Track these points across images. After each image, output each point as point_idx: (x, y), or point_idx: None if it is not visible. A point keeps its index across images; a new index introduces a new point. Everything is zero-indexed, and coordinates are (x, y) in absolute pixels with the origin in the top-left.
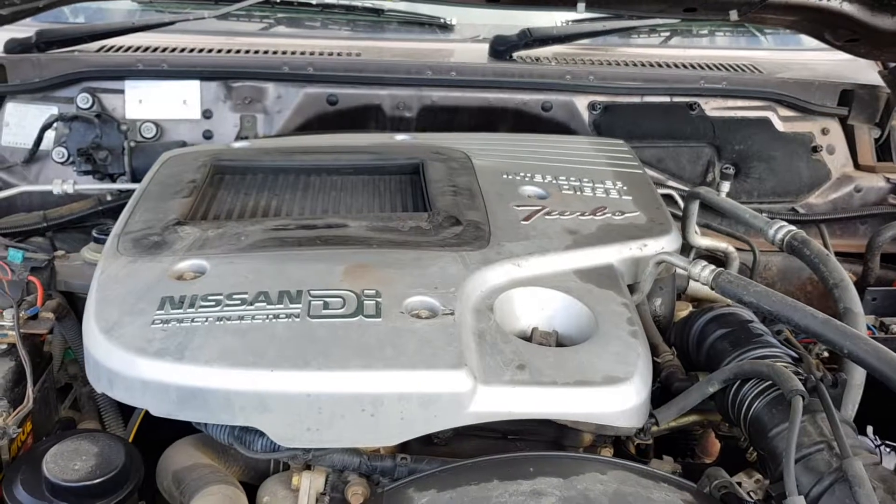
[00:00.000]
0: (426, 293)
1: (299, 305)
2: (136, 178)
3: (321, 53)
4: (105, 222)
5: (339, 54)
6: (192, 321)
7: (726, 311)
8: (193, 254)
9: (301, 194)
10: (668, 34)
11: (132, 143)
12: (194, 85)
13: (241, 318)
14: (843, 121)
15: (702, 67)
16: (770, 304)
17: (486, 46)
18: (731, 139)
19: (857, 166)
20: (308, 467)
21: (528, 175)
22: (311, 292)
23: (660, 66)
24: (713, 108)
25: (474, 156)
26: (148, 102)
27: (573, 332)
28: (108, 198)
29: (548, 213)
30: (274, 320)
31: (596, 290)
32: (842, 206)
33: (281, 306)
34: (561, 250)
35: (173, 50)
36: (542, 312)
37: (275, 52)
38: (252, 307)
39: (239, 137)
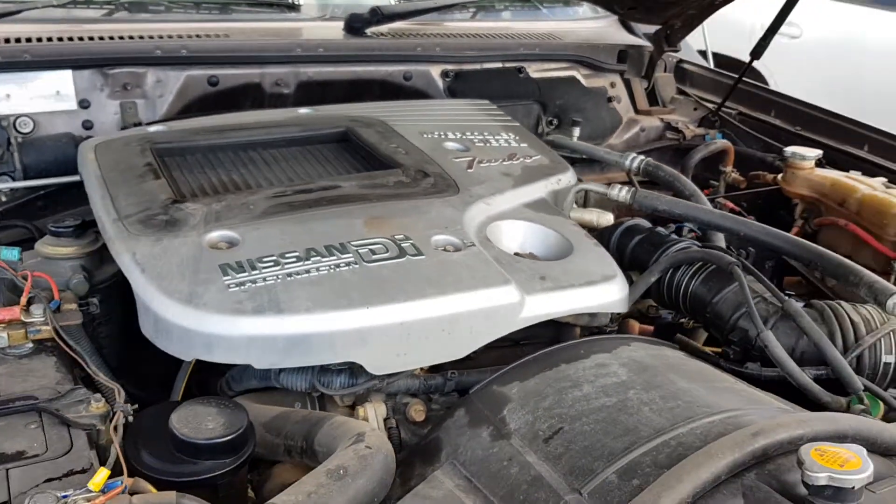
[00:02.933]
0: (442, 232)
1: (350, 255)
2: (28, 174)
3: (190, 36)
4: (14, 223)
5: (207, 36)
6: (265, 280)
7: (631, 223)
8: (215, 226)
9: (255, 167)
10: (474, 10)
11: (19, 140)
12: (66, 75)
13: (307, 271)
14: (621, 75)
15: (513, 37)
16: (680, 208)
17: (333, 24)
18: (552, 96)
19: (636, 111)
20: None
21: (441, 133)
22: (352, 243)
23: (487, 36)
24: (534, 70)
25: (393, 122)
26: (17, 97)
27: (549, 250)
28: (2, 198)
29: (480, 162)
30: (337, 269)
31: (548, 218)
32: (632, 143)
33: (333, 258)
34: (510, 189)
35: (28, 40)
36: (521, 239)
37: (141, 38)
38: (309, 262)
39: (124, 126)
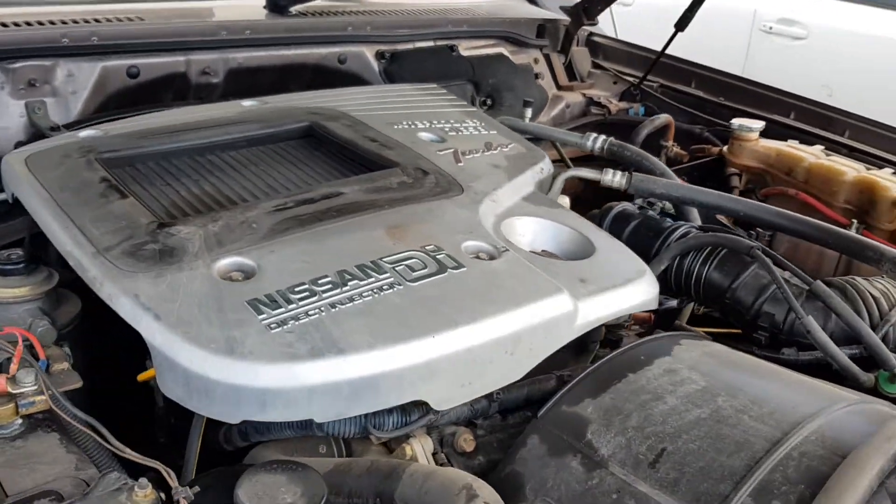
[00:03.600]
0: (469, 238)
1: (387, 275)
2: None
3: (99, 20)
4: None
5: (119, 20)
6: (308, 315)
7: (620, 208)
8: (221, 252)
9: (224, 174)
10: None
11: None
12: None
13: (350, 299)
14: (542, 50)
15: (440, 13)
16: (678, 191)
17: (250, 3)
18: (485, 75)
19: (558, 87)
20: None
21: (409, 123)
22: (384, 260)
23: (415, 13)
24: (464, 48)
25: (355, 113)
26: None
27: (570, 249)
28: None
29: (463, 154)
30: (382, 293)
31: (556, 213)
32: (559, 121)
33: (372, 280)
34: (506, 183)
35: None
36: (539, 237)
37: (41, 24)
38: (347, 287)
39: (36, 130)
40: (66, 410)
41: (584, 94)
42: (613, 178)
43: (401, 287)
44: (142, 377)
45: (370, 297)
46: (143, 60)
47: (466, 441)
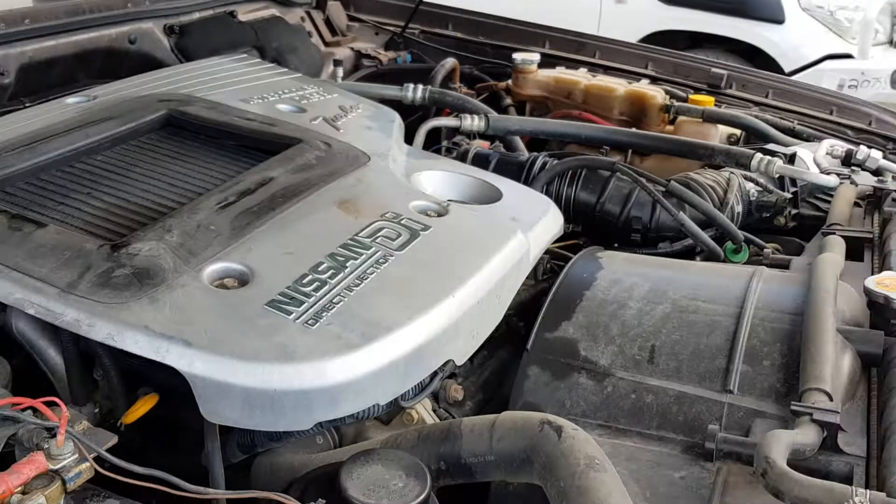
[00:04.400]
0: (412, 199)
1: (374, 248)
2: None
3: None
4: None
5: None
6: (334, 303)
7: (476, 149)
8: (199, 262)
9: (114, 181)
10: None
11: None
12: None
13: (359, 279)
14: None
15: None
16: (529, 125)
17: None
18: (268, 39)
19: (325, 44)
20: None
21: (260, 97)
22: (361, 236)
23: None
24: (242, 14)
25: (195, 94)
26: None
27: (480, 195)
28: None
29: (333, 119)
30: (382, 267)
31: (444, 162)
32: (335, 77)
33: (364, 256)
34: (389, 141)
35: None
36: (449, 188)
37: None
38: (348, 268)
39: None
40: (121, 470)
41: (351, 49)
42: (472, 122)
43: (393, 258)
44: (132, 417)
45: (374, 273)
46: None
47: (457, 391)
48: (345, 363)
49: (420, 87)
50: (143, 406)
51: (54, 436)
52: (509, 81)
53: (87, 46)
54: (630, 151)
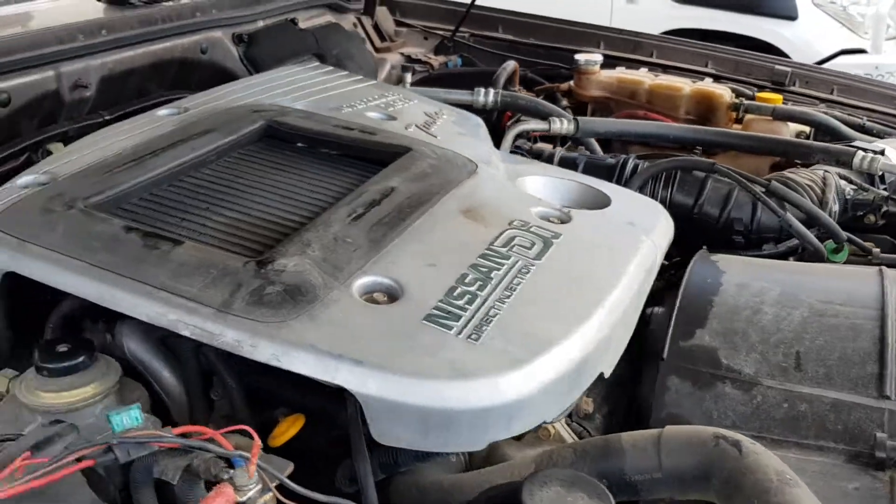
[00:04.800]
0: (533, 206)
1: (514, 257)
2: None
3: None
4: None
5: None
6: (491, 316)
7: (562, 154)
8: (346, 276)
9: (229, 195)
10: None
11: None
12: None
13: (508, 289)
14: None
15: None
16: (617, 127)
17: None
18: (327, 46)
19: (376, 50)
20: None
21: (349, 106)
22: (496, 246)
23: None
24: (303, 21)
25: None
26: None
27: (588, 201)
28: None
29: (426, 126)
30: (527, 277)
31: (545, 167)
32: (389, 83)
33: (506, 266)
34: (486, 147)
35: None
36: (556, 194)
37: None
38: (494, 279)
39: None
40: (301, 498)
41: (401, 54)
42: (561, 125)
43: (534, 267)
44: (281, 439)
45: (521, 284)
46: (12, 83)
47: (587, 404)
48: (518, 379)
49: (490, 91)
50: (290, 428)
51: (231, 465)
52: (571, 83)
53: (163, 57)
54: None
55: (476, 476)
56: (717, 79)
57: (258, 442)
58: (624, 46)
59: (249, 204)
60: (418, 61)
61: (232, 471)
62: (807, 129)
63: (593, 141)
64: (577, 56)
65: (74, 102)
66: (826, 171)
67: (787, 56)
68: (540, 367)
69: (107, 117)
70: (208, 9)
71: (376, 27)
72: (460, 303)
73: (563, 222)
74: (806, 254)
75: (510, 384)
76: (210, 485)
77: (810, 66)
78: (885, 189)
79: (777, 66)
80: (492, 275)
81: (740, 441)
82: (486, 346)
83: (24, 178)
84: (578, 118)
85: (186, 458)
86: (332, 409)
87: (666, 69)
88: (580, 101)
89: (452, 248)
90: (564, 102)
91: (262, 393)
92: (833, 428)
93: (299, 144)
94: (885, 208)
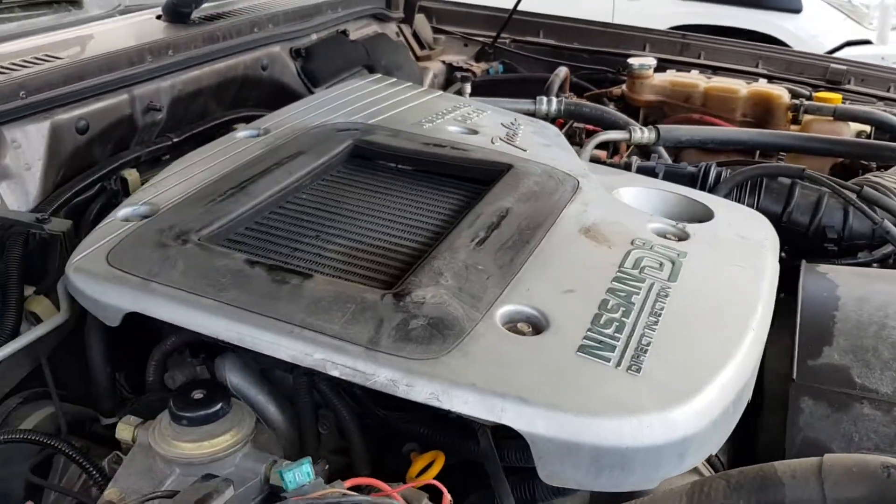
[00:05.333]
0: (648, 222)
1: (647, 280)
2: None
3: (13, 66)
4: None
5: (31, 62)
6: (643, 345)
7: (640, 163)
8: (486, 307)
9: (329, 219)
10: None
11: None
12: None
13: (653, 315)
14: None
15: None
16: (699, 134)
17: (131, 18)
18: (377, 57)
19: (416, 58)
20: None
21: (427, 121)
22: (625, 267)
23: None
24: (353, 32)
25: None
26: None
27: (691, 214)
28: None
29: (509, 138)
30: (666, 300)
31: (637, 178)
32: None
33: (643, 289)
34: (572, 158)
35: None
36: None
37: None
38: (635, 304)
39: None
40: None
41: (442, 62)
42: (643, 134)
43: (670, 288)
44: (426, 478)
45: (664, 308)
46: (89, 108)
47: None
48: (690, 414)
49: (553, 99)
50: (434, 467)
51: None
52: (623, 87)
53: (228, 75)
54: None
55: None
56: (770, 79)
57: (448, 497)
58: (671, 49)
59: (358, 230)
60: (460, 69)
61: None
62: (867, 128)
63: (661, 148)
64: (630, 60)
65: (147, 126)
66: None
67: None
68: (708, 399)
69: (175, 140)
70: (265, 23)
71: (415, 35)
72: (609, 331)
73: (680, 239)
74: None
75: (684, 419)
76: None
77: (866, 63)
78: None
79: (833, 65)
80: (632, 300)
81: None
82: (650, 378)
83: (125, 211)
84: (658, 126)
85: None
86: (457, 441)
87: (716, 71)
88: (632, 105)
89: (584, 272)
90: (612, 107)
91: (380, 426)
92: None
93: (392, 165)
94: None
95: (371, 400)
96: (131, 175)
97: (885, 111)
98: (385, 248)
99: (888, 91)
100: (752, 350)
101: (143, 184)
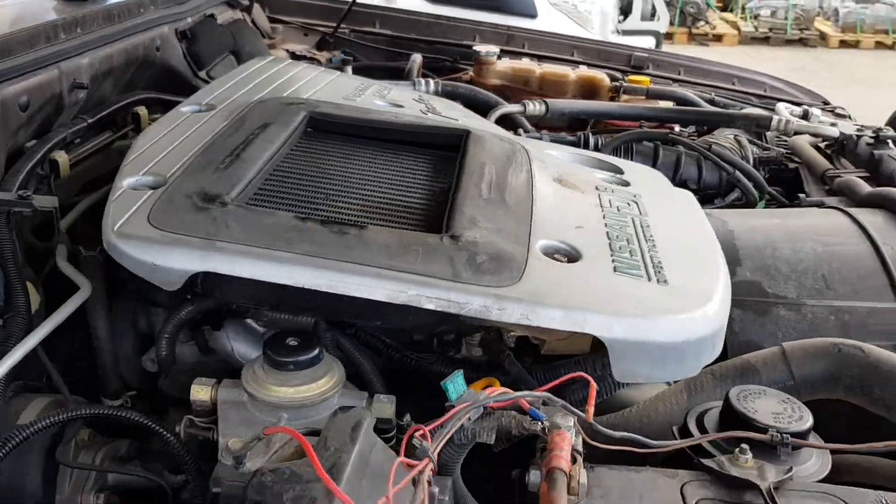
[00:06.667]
0: (596, 174)
1: (629, 214)
2: None
3: None
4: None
5: None
6: (658, 264)
7: (529, 136)
8: (526, 244)
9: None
10: None
11: None
12: None
13: (648, 240)
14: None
15: None
16: (580, 107)
17: None
18: (240, 43)
19: None
20: None
21: (355, 96)
22: (608, 206)
23: None
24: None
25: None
26: None
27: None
28: None
29: (432, 110)
30: (649, 229)
31: (539, 144)
32: None
33: (629, 221)
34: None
35: None
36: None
37: None
38: (630, 233)
39: None
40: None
41: (286, 50)
42: (535, 107)
43: (646, 220)
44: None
45: (652, 235)
46: (28, 83)
47: None
48: (714, 310)
49: (431, 80)
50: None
51: None
52: (471, 73)
53: (133, 54)
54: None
55: (642, 409)
56: (588, 66)
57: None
58: (497, 39)
59: (361, 191)
60: (304, 57)
61: (540, 423)
62: (670, 104)
63: (525, 121)
64: (478, 48)
65: (71, 105)
66: (736, 135)
67: None
68: (720, 299)
69: (90, 121)
70: (148, 4)
71: (254, 23)
72: (627, 255)
73: (623, 185)
74: (745, 205)
75: (714, 314)
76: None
77: (659, 51)
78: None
79: (635, 53)
80: (627, 230)
81: (857, 345)
82: (678, 287)
83: (129, 180)
84: (547, 101)
85: (494, 419)
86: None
87: (541, 59)
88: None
89: (579, 212)
90: None
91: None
92: (874, 330)
93: (350, 135)
94: (784, 164)
95: (398, 349)
96: (61, 157)
97: (682, 90)
98: (397, 205)
99: (678, 74)
100: (723, 265)
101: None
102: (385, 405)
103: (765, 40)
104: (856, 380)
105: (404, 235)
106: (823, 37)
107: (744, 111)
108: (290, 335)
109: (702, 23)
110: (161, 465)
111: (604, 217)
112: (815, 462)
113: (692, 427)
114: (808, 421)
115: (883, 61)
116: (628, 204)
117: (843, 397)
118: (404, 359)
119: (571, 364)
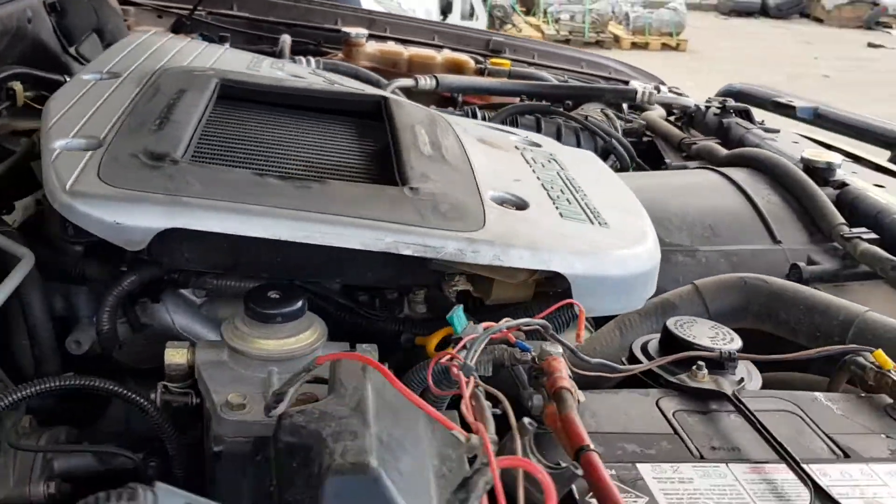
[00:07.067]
0: (509, 136)
1: (554, 168)
2: None
3: None
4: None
5: None
6: (593, 210)
7: None
8: (479, 194)
9: (265, 146)
10: None
11: None
12: None
13: (578, 190)
14: None
15: None
16: (468, 83)
17: None
18: (104, 20)
19: None
20: None
21: (252, 68)
22: (534, 162)
23: None
24: None
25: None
26: None
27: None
28: None
29: (330, 82)
30: (574, 181)
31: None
32: None
33: (555, 174)
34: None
35: None
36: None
37: None
38: (561, 184)
39: None
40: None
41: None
42: (427, 82)
43: (569, 173)
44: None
45: (579, 186)
46: None
47: None
48: (652, 248)
49: (312, 59)
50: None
51: None
52: (340, 54)
53: (8, 24)
54: None
55: (582, 349)
56: (450, 49)
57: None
58: (359, 22)
59: (297, 153)
60: None
61: (529, 354)
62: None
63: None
64: (347, 30)
65: None
66: (602, 108)
67: None
68: (653, 239)
69: None
70: None
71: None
72: (566, 204)
73: (537, 146)
74: (619, 171)
75: (654, 250)
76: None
77: (515, 37)
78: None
79: (493, 38)
80: (557, 182)
81: (760, 276)
82: (617, 228)
83: (60, 142)
84: (438, 76)
85: (488, 352)
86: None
87: (405, 43)
88: None
89: (512, 167)
90: None
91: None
92: (758, 268)
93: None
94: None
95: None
96: None
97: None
98: (340, 165)
99: (533, 58)
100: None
101: None
102: (369, 353)
103: (566, 42)
104: (762, 307)
105: (367, 188)
106: (617, 39)
107: (611, 86)
108: (271, 289)
109: (508, 25)
110: (111, 446)
111: (534, 171)
112: (747, 378)
113: (639, 356)
114: (738, 342)
115: (669, 60)
116: (549, 161)
117: (752, 325)
118: (356, 319)
119: (520, 311)
